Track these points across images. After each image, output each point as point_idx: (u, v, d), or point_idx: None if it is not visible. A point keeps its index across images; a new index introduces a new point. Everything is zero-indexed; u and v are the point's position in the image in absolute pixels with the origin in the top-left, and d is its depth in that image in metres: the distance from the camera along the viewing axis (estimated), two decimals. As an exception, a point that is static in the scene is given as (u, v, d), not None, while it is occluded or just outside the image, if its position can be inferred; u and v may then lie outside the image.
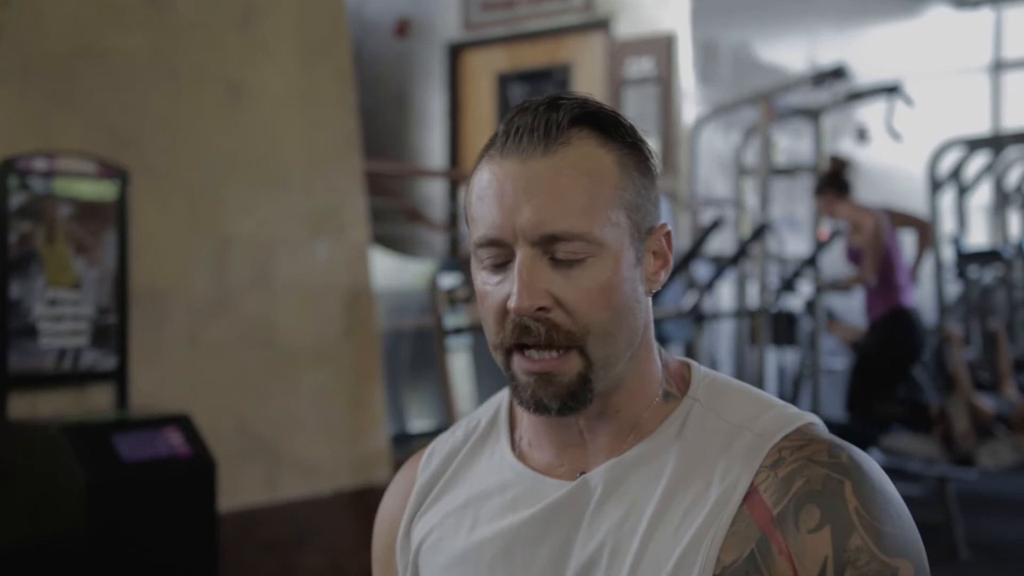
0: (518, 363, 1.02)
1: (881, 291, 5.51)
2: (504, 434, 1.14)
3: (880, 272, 5.49)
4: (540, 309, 0.99)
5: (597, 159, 1.02)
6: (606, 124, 1.03)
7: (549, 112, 1.01)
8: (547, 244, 1.00)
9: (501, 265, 1.02)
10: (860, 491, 1.00)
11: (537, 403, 1.02)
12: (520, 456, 1.11)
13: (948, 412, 5.06)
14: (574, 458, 1.08)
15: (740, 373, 5.89)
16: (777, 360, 6.18)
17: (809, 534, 0.98)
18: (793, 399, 5.71)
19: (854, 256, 5.63)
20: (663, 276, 1.07)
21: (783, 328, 5.30)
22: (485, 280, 1.03)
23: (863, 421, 5.38)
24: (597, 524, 1.03)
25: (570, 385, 1.01)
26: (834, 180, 5.58)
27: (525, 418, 1.12)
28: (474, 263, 1.06)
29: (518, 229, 1.00)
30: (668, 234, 1.08)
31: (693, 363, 1.12)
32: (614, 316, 1.02)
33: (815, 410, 5.52)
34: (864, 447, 4.66)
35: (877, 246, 5.40)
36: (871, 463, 1.03)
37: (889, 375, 5.52)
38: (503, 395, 1.17)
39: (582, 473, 1.06)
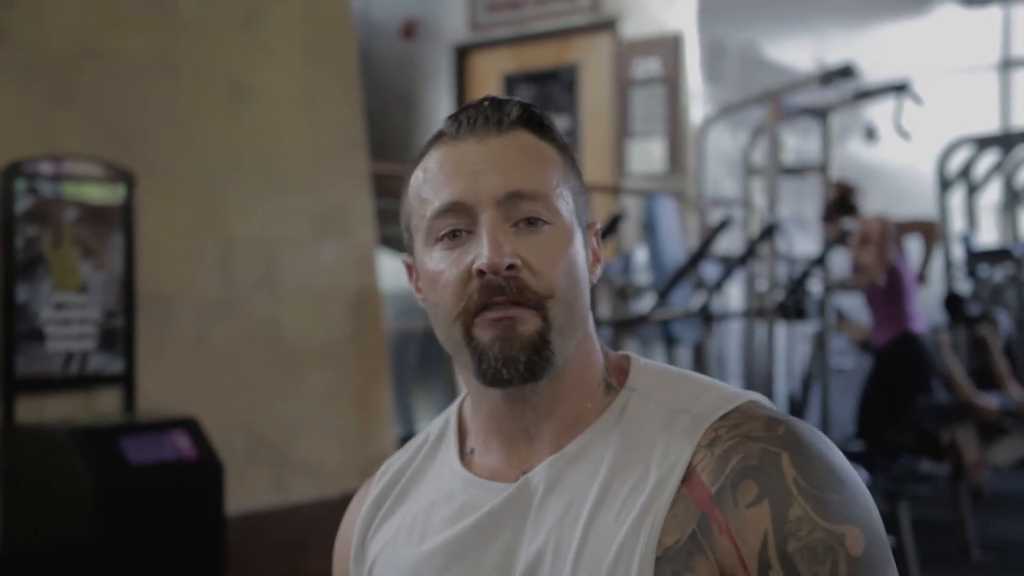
0: (481, 322, 1.02)
1: (889, 315, 5.46)
2: (453, 444, 1.14)
3: (888, 296, 5.46)
4: (510, 268, 1.00)
5: (542, 146, 1.07)
6: (543, 124, 1.08)
7: (497, 106, 1.06)
8: (511, 205, 1.02)
9: (457, 236, 1.03)
10: (798, 462, 0.99)
11: (505, 359, 1.01)
12: (468, 465, 1.12)
13: (958, 442, 5.05)
14: (522, 459, 1.08)
15: (749, 374, 5.88)
16: (786, 361, 6.18)
17: (747, 509, 0.98)
18: (803, 400, 5.70)
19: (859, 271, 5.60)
20: (598, 271, 1.11)
21: (792, 306, 5.25)
22: (440, 259, 1.04)
23: (874, 449, 5.35)
24: (540, 523, 1.04)
25: (531, 339, 1.01)
26: (841, 206, 5.56)
27: (474, 425, 1.13)
28: (422, 249, 1.07)
29: (482, 191, 1.02)
30: (598, 233, 1.13)
31: (633, 355, 1.13)
32: (572, 284, 1.04)
33: (825, 411, 5.52)
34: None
35: (884, 247, 5.38)
36: (812, 433, 1.02)
37: (898, 403, 5.48)
38: (453, 408, 1.18)
39: (524, 473, 1.06)
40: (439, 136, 1.08)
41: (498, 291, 1.00)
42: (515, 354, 1.01)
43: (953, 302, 6.99)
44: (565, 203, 1.06)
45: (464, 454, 1.13)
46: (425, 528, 1.10)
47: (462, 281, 1.02)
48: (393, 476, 1.17)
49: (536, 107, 1.08)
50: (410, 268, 1.12)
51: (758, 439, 1.01)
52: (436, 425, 1.19)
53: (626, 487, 1.02)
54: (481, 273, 1.00)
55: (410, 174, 1.10)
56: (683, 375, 1.10)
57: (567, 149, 1.10)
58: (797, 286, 5.14)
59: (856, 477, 1.02)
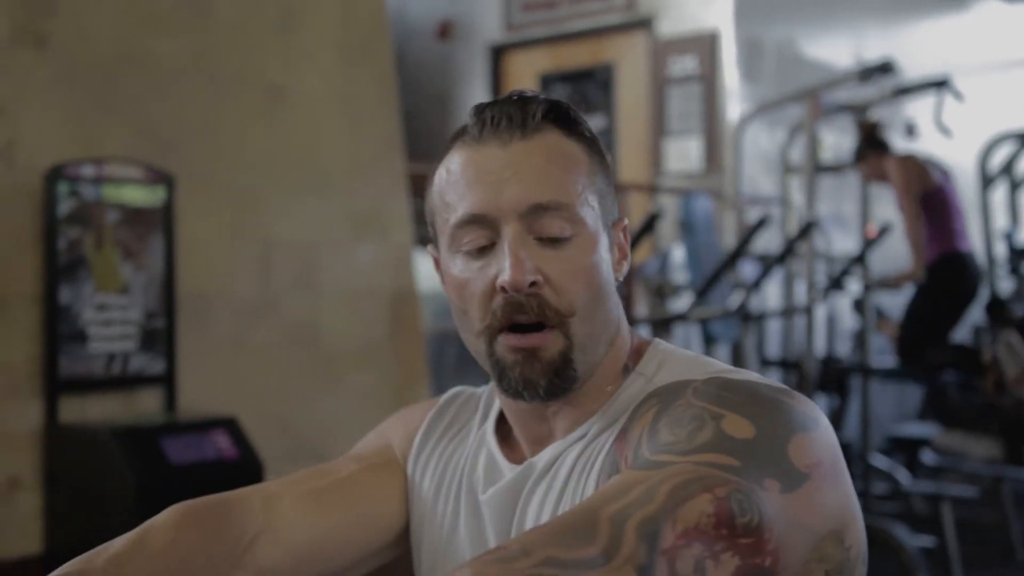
0: (504, 342, 1.02)
1: (935, 235, 5.38)
2: (492, 419, 1.17)
3: (933, 215, 5.39)
4: (532, 284, 0.99)
5: (568, 147, 1.04)
6: (570, 119, 1.05)
7: (522, 104, 1.03)
8: (533, 218, 1.00)
9: (482, 249, 1.02)
10: (704, 384, 0.94)
11: (525, 382, 1.01)
12: (499, 440, 1.14)
13: (1000, 358, 4.99)
14: (537, 444, 1.10)
15: (787, 372, 5.85)
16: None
17: (639, 419, 0.95)
18: (842, 400, 5.67)
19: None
20: (624, 268, 1.10)
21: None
22: (464, 267, 1.03)
23: (915, 367, 5.31)
24: (528, 504, 1.05)
25: (554, 362, 1.01)
26: (871, 142, 5.52)
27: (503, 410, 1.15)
28: (446, 253, 1.06)
29: (504, 204, 1.00)
30: (625, 228, 1.11)
31: (655, 340, 1.12)
32: (595, 295, 1.02)
33: (865, 410, 5.48)
34: (918, 448, 4.62)
35: (907, 191, 5.32)
36: (747, 379, 0.96)
37: (941, 321, 5.42)
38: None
39: (534, 455, 1.08)
40: (462, 133, 1.07)
41: (520, 308, 1.00)
42: (536, 378, 1.01)
43: (996, 306, 6.92)
44: (590, 209, 1.04)
45: (500, 429, 1.16)
46: (462, 481, 1.14)
47: (486, 295, 1.02)
48: (452, 418, 1.21)
49: (563, 102, 1.06)
50: (437, 262, 1.13)
51: (679, 386, 0.97)
52: (485, 395, 1.21)
53: (586, 460, 1.02)
54: (503, 289, 1.00)
55: (435, 169, 1.09)
56: (695, 359, 1.07)
57: (595, 143, 1.07)
58: (835, 284, 5.11)
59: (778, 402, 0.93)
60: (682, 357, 1.07)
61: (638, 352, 1.10)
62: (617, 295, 1.07)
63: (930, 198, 5.40)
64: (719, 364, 1.05)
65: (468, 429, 1.19)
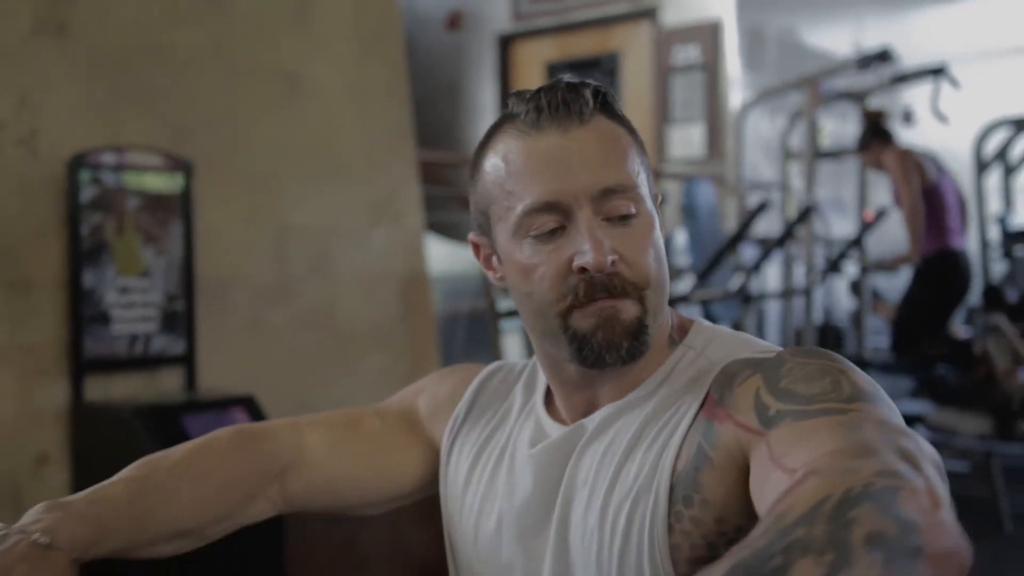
0: (579, 316, 1.03)
1: (930, 232, 5.39)
2: (541, 389, 1.19)
3: (928, 212, 5.38)
4: (612, 263, 1.01)
5: (618, 131, 1.06)
6: (612, 105, 1.07)
7: (575, 91, 1.04)
8: (602, 201, 1.02)
9: (551, 232, 1.03)
10: (795, 351, 0.98)
11: (608, 344, 1.02)
12: (547, 407, 1.16)
13: (990, 351, 5.00)
14: (585, 409, 1.11)
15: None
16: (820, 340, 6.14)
17: (740, 386, 0.97)
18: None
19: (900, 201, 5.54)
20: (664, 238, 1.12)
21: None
22: (534, 251, 1.04)
23: (909, 359, 5.32)
24: (580, 461, 1.07)
25: (632, 325, 1.03)
26: (875, 131, 5.50)
27: (548, 380, 1.16)
28: (509, 240, 1.06)
29: (578, 189, 1.01)
30: (660, 201, 1.12)
31: (698, 318, 1.14)
32: (660, 268, 1.05)
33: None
34: (912, 424, 4.64)
35: (907, 182, 5.32)
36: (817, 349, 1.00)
37: (934, 315, 5.43)
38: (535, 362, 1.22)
39: (584, 416, 1.10)
40: (510, 120, 1.06)
41: (601, 287, 1.01)
42: (618, 340, 1.03)
43: (991, 292, 6.92)
44: (646, 187, 1.06)
45: (548, 398, 1.17)
46: (504, 446, 1.16)
47: (560, 275, 1.02)
48: (498, 387, 1.23)
49: (606, 88, 1.06)
50: (478, 247, 1.13)
51: (763, 358, 1.01)
52: (527, 372, 1.23)
53: (659, 428, 1.03)
54: (583, 270, 1.01)
55: (482, 157, 1.08)
56: (738, 335, 1.10)
57: (633, 128, 1.09)
58: (834, 266, 5.12)
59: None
60: (728, 334, 1.10)
61: (682, 328, 1.12)
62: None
63: (926, 195, 5.39)
64: (763, 343, 1.08)
65: (510, 402, 1.21)
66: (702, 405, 1.01)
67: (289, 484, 1.20)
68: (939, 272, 5.37)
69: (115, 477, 1.19)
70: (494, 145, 1.07)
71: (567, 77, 1.06)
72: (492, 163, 1.07)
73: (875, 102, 6.35)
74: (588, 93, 1.04)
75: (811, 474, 0.74)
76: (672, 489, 0.98)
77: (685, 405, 1.03)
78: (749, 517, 0.94)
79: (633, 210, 1.03)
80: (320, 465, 1.20)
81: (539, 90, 1.05)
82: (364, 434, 1.23)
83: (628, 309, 1.02)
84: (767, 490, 0.84)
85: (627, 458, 1.03)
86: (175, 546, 1.16)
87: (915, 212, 5.31)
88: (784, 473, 0.82)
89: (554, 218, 1.02)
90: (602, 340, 1.03)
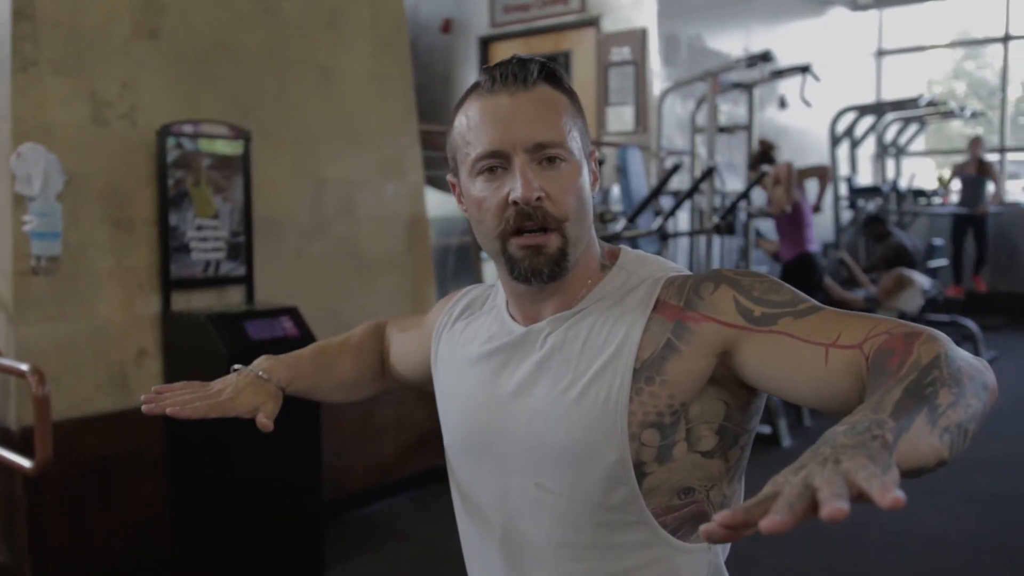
0: (515, 243, 0.99)
1: (792, 241, 5.45)
2: (503, 300, 1.14)
3: (792, 224, 5.41)
4: (538, 199, 0.97)
5: (557, 96, 1.01)
6: (557, 76, 1.03)
7: (522, 64, 1.00)
8: (536, 151, 0.98)
9: (495, 172, 0.99)
10: (740, 273, 0.98)
11: (533, 270, 1.00)
12: (509, 312, 1.12)
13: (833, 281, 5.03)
14: (534, 316, 1.08)
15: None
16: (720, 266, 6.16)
17: (711, 295, 0.96)
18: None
19: (776, 221, 5.54)
20: (597, 188, 1.07)
21: (724, 227, 5.22)
22: (482, 188, 1.00)
23: None
24: (531, 354, 1.04)
25: (554, 255, 0.99)
26: (764, 158, 5.48)
27: (507, 295, 1.13)
28: (466, 178, 1.02)
29: (516, 140, 0.98)
30: (597, 159, 1.08)
31: (624, 247, 1.10)
32: (581, 207, 1.00)
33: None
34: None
35: (789, 185, 5.32)
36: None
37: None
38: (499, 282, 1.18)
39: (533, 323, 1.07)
40: (476, 87, 1.03)
41: (527, 217, 0.98)
42: (541, 267, 0.99)
43: (873, 220, 6.97)
44: (576, 143, 1.01)
45: (509, 307, 1.14)
46: (474, 342, 1.13)
47: (500, 207, 0.98)
48: (469, 303, 1.20)
49: (552, 63, 1.03)
50: (454, 186, 1.09)
51: (707, 274, 1.00)
52: (492, 291, 1.20)
53: (609, 330, 1.00)
54: (515, 203, 0.97)
55: (454, 115, 1.04)
56: (656, 258, 1.07)
57: (575, 95, 1.05)
58: (728, 213, 5.10)
59: None
60: (649, 257, 1.07)
61: (612, 255, 1.08)
62: (592, 209, 1.05)
63: (792, 209, 5.39)
64: (676, 264, 1.06)
65: (483, 309, 1.18)
66: (653, 309, 0.99)
67: (387, 365, 1.32)
68: (801, 270, 5.39)
69: (304, 348, 1.27)
70: (462, 106, 1.04)
71: (520, 55, 1.02)
72: (459, 120, 1.03)
73: (759, 91, 6.30)
74: (534, 66, 1.00)
75: (911, 337, 0.81)
76: (636, 371, 0.96)
77: (634, 309, 1.00)
78: (692, 395, 0.94)
79: (561, 156, 0.99)
80: (394, 352, 1.30)
81: (497, 64, 1.02)
82: (410, 333, 1.29)
83: (552, 242, 0.98)
84: (805, 358, 0.88)
85: (584, 345, 1.00)
86: (342, 395, 1.29)
87: (788, 177, 5.30)
88: (821, 347, 0.87)
89: (498, 161, 0.98)
90: (528, 266, 0.99)
